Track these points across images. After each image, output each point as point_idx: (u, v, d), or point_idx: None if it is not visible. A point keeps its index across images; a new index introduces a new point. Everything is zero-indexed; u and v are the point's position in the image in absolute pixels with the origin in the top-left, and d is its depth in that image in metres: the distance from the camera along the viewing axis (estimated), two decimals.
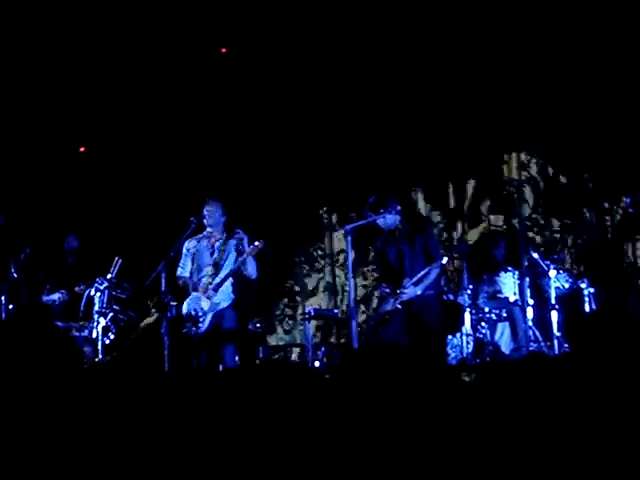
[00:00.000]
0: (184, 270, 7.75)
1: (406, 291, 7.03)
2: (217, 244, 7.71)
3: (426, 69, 9.51)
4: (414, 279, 7.05)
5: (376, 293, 9.29)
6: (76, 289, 8.39)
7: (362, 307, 9.90)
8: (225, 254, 7.66)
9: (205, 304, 7.52)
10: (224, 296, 7.58)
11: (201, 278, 7.65)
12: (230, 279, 7.60)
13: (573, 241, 9.67)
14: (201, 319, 7.48)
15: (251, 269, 7.61)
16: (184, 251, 7.77)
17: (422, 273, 7.06)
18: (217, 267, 7.62)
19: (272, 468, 2.39)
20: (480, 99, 9.46)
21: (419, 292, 7.04)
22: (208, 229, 7.72)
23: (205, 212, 7.64)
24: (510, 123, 9.53)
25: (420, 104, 9.65)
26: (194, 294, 7.58)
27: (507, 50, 9.23)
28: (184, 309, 7.53)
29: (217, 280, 7.55)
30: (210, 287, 7.53)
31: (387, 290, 7.32)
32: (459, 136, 9.56)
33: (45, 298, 8.71)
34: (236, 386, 2.56)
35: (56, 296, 8.62)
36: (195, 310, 7.50)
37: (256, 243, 7.49)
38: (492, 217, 9.96)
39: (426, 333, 7.06)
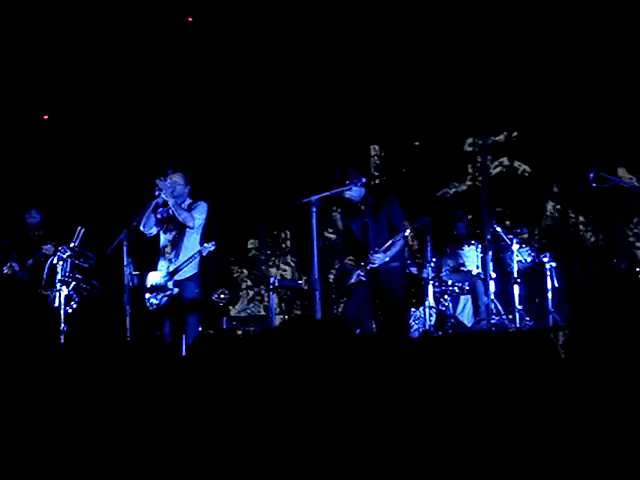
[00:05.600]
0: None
1: (377, 256, 7.01)
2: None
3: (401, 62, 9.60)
4: (383, 247, 7.04)
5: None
6: (44, 248, 8.31)
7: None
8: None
9: (163, 277, 7.48)
10: (186, 268, 7.50)
11: (164, 246, 7.60)
12: (196, 256, 7.50)
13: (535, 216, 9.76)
14: (160, 292, 7.45)
15: (187, 219, 7.50)
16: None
17: (388, 244, 7.05)
18: (179, 235, 7.55)
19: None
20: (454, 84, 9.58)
21: (387, 259, 7.04)
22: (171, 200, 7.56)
23: (168, 184, 7.48)
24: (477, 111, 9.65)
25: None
26: (154, 272, 7.55)
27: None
28: (148, 281, 7.51)
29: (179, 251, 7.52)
30: (174, 261, 7.49)
31: (351, 262, 7.31)
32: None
33: (5, 268, 8.64)
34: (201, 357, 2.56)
35: (17, 266, 8.57)
36: (156, 285, 7.47)
37: (209, 246, 7.46)
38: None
39: (391, 305, 7.08)
